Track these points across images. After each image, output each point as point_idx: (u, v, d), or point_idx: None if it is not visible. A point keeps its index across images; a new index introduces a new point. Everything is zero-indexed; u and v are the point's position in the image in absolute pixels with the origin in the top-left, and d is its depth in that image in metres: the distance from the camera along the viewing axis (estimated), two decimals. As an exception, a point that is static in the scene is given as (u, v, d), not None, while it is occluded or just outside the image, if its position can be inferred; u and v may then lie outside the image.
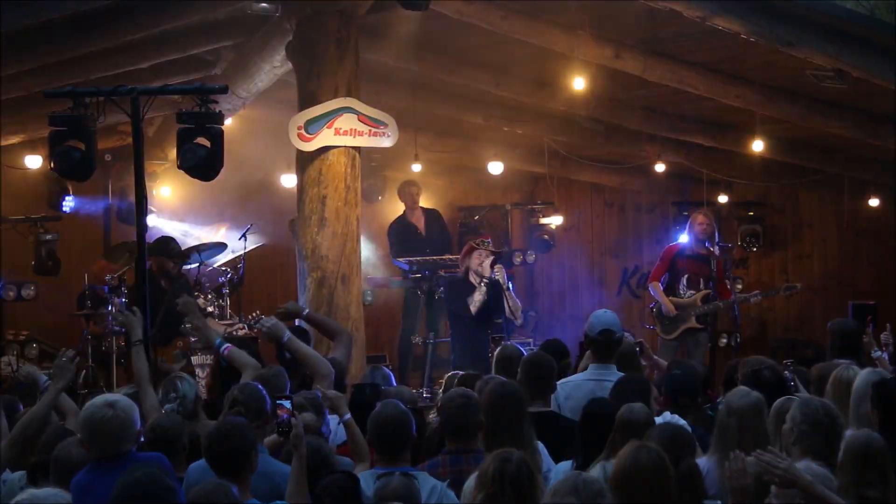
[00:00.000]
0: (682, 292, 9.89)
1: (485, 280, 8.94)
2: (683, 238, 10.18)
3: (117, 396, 4.75)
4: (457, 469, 4.83)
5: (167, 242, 9.39)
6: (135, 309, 6.00)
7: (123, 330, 9.54)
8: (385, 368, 6.74)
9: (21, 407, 5.76)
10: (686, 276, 9.96)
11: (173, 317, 8.90)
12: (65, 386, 5.52)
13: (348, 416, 5.39)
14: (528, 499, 3.97)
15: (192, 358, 9.40)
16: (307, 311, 7.16)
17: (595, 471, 4.60)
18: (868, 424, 4.79)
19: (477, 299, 8.92)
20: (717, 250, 10.01)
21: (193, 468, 4.93)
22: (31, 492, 3.94)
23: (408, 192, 11.69)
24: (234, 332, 9.39)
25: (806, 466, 4.05)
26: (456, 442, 5.01)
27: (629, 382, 5.64)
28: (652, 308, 10.01)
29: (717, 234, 10.12)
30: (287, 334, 6.29)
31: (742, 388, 5.10)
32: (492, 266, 8.97)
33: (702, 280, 9.92)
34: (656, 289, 9.98)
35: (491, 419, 5.04)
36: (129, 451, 4.50)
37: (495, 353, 6.89)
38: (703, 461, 4.84)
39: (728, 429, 4.76)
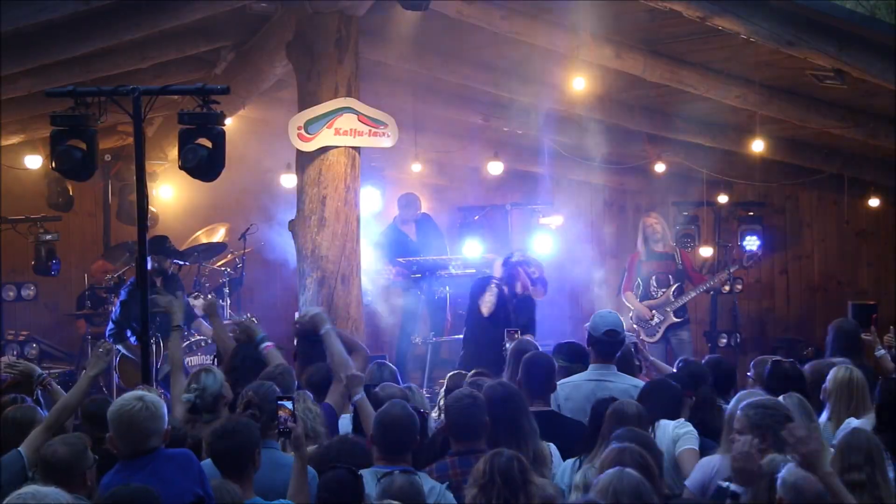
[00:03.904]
0: (654, 293, 9.96)
1: (495, 282, 8.92)
2: (639, 244, 10.23)
3: (146, 392, 4.75)
4: (466, 471, 4.73)
5: (162, 241, 9.38)
6: (178, 294, 6.03)
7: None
8: (391, 365, 6.73)
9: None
10: (654, 276, 10.04)
11: (167, 316, 8.88)
12: (97, 375, 5.67)
13: (361, 395, 5.46)
14: (521, 491, 4.01)
15: (191, 357, 9.42)
16: (326, 329, 6.38)
17: (589, 471, 4.63)
18: None
19: (487, 300, 8.89)
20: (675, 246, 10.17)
21: None
22: (35, 487, 3.93)
23: (408, 213, 11.67)
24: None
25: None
26: (462, 443, 5.00)
27: (660, 389, 5.65)
28: (631, 317, 10.07)
29: (668, 232, 10.20)
30: (326, 326, 6.30)
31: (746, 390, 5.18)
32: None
33: (670, 276, 10.02)
34: (629, 298, 10.08)
35: (491, 420, 5.03)
36: (156, 449, 4.49)
37: (510, 346, 6.90)
38: (715, 458, 4.85)
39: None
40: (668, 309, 9.90)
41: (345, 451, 4.78)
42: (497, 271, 8.99)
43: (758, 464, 4.09)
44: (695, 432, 5.33)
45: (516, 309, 9.04)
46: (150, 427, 4.46)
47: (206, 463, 4.81)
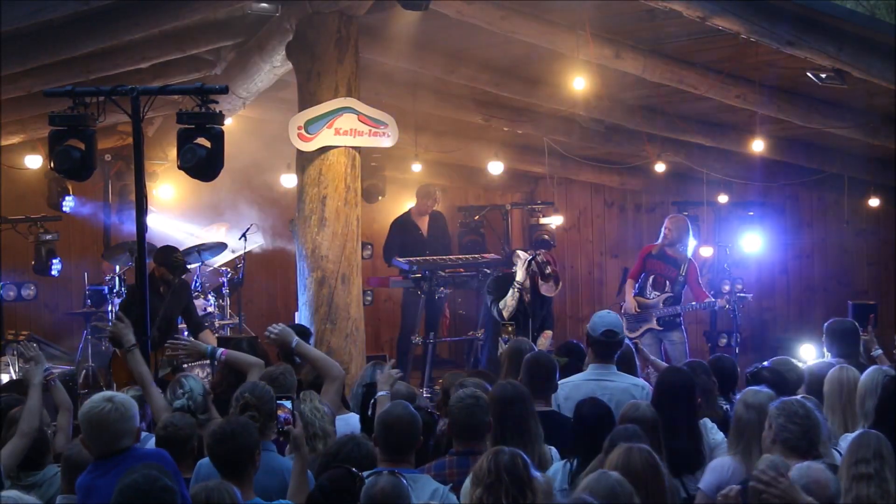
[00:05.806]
0: (648, 293, 9.93)
1: (518, 285, 8.87)
2: (659, 239, 10.21)
3: (116, 392, 4.76)
4: (463, 471, 4.74)
5: (170, 252, 9.33)
6: (120, 315, 6.04)
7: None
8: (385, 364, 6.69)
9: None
10: (653, 276, 9.99)
11: (167, 323, 8.86)
12: (41, 378, 5.52)
13: (295, 340, 5.89)
14: (527, 488, 3.99)
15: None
16: (297, 341, 6.14)
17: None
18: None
19: (509, 304, 8.85)
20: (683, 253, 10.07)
21: (202, 464, 4.92)
22: (16, 493, 3.93)
23: (424, 203, 11.69)
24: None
25: (807, 467, 4.03)
26: (463, 443, 4.98)
27: (674, 377, 5.60)
28: (620, 305, 10.06)
29: (685, 241, 10.08)
30: (295, 339, 6.10)
31: (753, 387, 5.17)
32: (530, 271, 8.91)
33: (667, 282, 9.92)
34: (628, 286, 10.05)
35: (497, 420, 5.02)
36: (129, 448, 4.50)
37: (506, 346, 6.87)
38: (727, 460, 4.84)
39: (748, 424, 4.82)
40: (654, 314, 9.85)
41: (353, 452, 4.70)
42: (520, 275, 8.91)
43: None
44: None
45: (535, 303, 8.97)
46: (121, 428, 4.48)
47: (205, 462, 4.83)
